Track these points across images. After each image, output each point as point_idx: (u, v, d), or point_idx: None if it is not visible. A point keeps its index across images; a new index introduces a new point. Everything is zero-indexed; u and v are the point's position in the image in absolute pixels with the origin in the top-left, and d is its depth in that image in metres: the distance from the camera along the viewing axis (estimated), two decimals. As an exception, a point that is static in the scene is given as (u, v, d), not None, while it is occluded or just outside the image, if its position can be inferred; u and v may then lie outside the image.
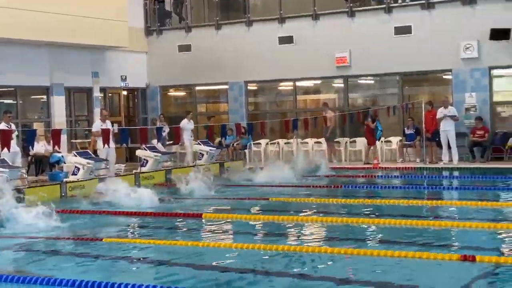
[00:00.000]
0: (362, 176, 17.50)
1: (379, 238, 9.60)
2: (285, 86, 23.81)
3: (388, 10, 21.22)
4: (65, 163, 17.57)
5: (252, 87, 24.14)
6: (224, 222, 11.30)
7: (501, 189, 14.23)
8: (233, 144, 21.96)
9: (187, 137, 20.41)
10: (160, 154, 18.50)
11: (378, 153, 20.52)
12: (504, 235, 9.24)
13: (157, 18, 24.94)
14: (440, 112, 19.13)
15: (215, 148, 20.40)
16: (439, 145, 19.56)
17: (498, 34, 19.35)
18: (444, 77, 21.38)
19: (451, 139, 18.96)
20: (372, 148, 20.41)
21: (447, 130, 18.95)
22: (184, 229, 10.95)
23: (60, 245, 9.78)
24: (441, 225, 10.13)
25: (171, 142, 21.37)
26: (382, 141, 20.87)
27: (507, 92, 20.75)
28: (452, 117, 19.04)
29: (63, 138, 18.86)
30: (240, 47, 23.14)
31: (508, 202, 12.36)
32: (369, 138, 20.34)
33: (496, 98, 20.34)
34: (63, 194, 15.02)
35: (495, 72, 20.26)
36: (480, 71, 20.02)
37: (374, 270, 7.56)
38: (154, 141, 20.04)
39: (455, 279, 7.08)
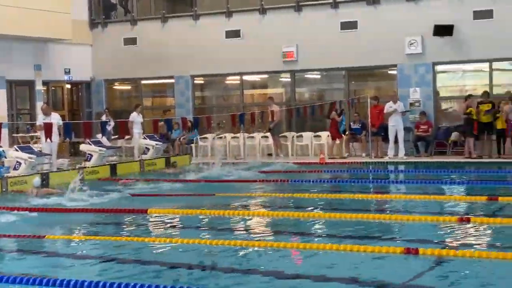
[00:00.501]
0: (309, 171, 17.53)
1: (326, 232, 9.63)
2: (232, 80, 23.73)
3: (335, 5, 21.35)
4: (6, 157, 17.12)
5: (198, 81, 24.00)
6: (170, 218, 11.16)
7: (444, 182, 14.45)
8: (179, 139, 21.78)
9: (137, 130, 20.12)
10: (104, 149, 18.22)
11: (325, 148, 20.63)
12: (447, 228, 9.36)
13: (102, 11, 24.56)
14: (389, 107, 19.32)
15: (161, 143, 20.20)
16: (385, 140, 19.80)
17: (441, 30, 19.67)
18: (389, 72, 21.66)
19: (400, 133, 19.17)
20: (337, 142, 20.27)
21: (396, 125, 19.13)
22: (130, 225, 10.76)
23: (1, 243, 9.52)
24: (386, 218, 10.22)
25: (116, 136, 21.07)
26: (328, 135, 20.98)
27: (450, 88, 21.14)
28: (404, 112, 19.32)
29: (4, 132, 18.37)
30: (186, 40, 22.96)
31: (451, 196, 12.55)
32: (334, 132, 20.26)
33: (439, 93, 20.70)
34: (4, 190, 14.64)
35: (438, 67, 20.60)
36: (424, 66, 20.33)
37: (320, 264, 7.56)
38: (99, 136, 19.73)
39: (399, 271, 7.13)
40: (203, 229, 10.16)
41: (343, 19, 21.27)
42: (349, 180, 15.55)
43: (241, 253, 8.27)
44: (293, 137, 21.50)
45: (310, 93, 23.33)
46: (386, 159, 19.23)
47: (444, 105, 20.97)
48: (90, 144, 18.04)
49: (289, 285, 6.86)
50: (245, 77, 23.26)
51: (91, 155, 17.81)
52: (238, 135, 21.62)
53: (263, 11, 22.33)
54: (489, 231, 9.08)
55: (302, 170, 17.57)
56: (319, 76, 23.10)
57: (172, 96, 23.93)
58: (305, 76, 22.97)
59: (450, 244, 8.30)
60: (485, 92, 18.96)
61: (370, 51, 20.69)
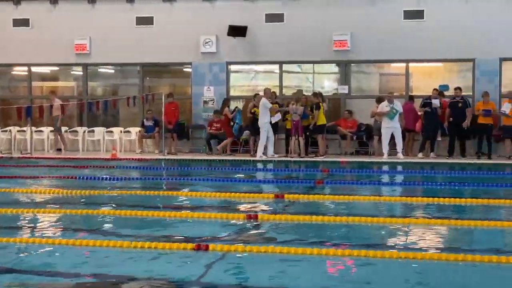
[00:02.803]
0: (100, 167, 17.04)
1: (117, 230, 9.32)
2: (19, 71, 22.52)
3: (130, -1, 21.05)
4: None
5: (-19, 70, 22.48)
6: None
7: (235, 180, 14.70)
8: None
9: None
10: None
11: (117, 144, 20.27)
12: (236, 224, 9.50)
13: None
14: (266, 103, 19.11)
15: None
16: (179, 137, 19.93)
17: (235, 31, 20.12)
18: (184, 70, 21.77)
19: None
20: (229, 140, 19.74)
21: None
22: None
23: None
24: (177, 215, 10.15)
25: None
26: (121, 131, 20.68)
27: (242, 87, 21.73)
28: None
29: None
30: (-32, 26, 21.40)
31: (241, 194, 12.75)
32: (227, 130, 19.73)
33: (232, 92, 21.18)
34: None
35: (232, 67, 21.06)
36: (218, 65, 20.66)
37: (108, 263, 7.30)
38: None
39: (190, 267, 7.09)
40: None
41: (138, 14, 21.03)
42: (141, 177, 15.33)
43: (25, 251, 7.77)
44: (84, 132, 20.83)
45: (104, 88, 22.78)
46: (178, 156, 19.28)
47: (236, 104, 21.43)
48: None
49: (72, 284, 6.53)
50: (34, 69, 22.17)
51: None
52: (25, 128, 20.52)
53: (54, 0, 21.39)
54: (275, 227, 9.33)
55: (93, 166, 17.04)
56: (113, 71, 22.63)
57: (-50, 85, 22.19)
58: (99, 70, 22.38)
59: (238, 240, 8.39)
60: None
61: (165, 48, 20.67)
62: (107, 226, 9.67)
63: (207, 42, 20.56)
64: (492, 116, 18.31)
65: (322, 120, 18.86)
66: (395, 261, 7.30)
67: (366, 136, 19.82)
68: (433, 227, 9.31)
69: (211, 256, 7.47)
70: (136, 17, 21.04)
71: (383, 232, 9.09)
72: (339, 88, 20.74)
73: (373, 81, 21.56)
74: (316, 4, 20.30)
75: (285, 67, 21.10)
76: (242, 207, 11.13)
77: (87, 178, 14.75)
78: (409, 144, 19.34)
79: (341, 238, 8.64)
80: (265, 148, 18.67)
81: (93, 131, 20.88)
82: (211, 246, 7.75)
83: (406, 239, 8.66)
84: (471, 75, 19.76)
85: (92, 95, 21.79)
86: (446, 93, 19.32)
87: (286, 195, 11.91)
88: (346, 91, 20.54)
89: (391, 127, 18.28)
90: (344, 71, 20.70)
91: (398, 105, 18.49)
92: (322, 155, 18.70)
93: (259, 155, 18.48)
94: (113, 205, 11.21)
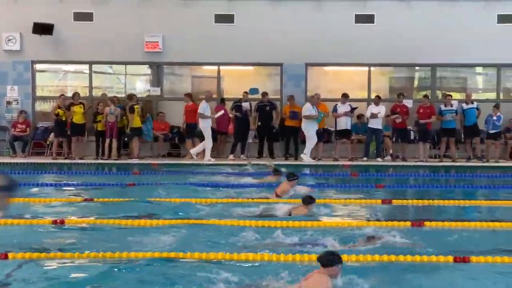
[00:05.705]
0: None
1: None
2: None
3: None
4: None
5: None
6: None
7: (41, 184, 14.02)
8: None
9: None
10: None
11: None
12: (38, 230, 9.05)
13: None
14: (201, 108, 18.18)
15: None
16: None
17: (41, 29, 19.33)
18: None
19: None
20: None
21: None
22: None
23: None
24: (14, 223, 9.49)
25: None
26: None
27: (50, 87, 20.92)
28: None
29: None
30: None
31: (47, 198, 12.15)
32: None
33: (38, 92, 20.34)
34: None
35: (38, 66, 20.22)
36: (22, 64, 19.77)
37: None
38: None
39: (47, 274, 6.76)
40: None
41: None
42: None
43: None
44: None
45: None
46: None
47: (41, 104, 20.55)
48: None
49: None
50: None
51: None
52: None
53: None
54: (83, 232, 9.01)
55: None
56: None
57: None
58: None
59: (42, 247, 7.97)
60: (76, 93, 18.99)
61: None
62: None
63: (10, 40, 19.54)
64: (298, 118, 19.03)
65: (137, 122, 18.63)
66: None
67: (178, 138, 19.82)
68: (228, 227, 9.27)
69: (10, 264, 7.06)
70: None
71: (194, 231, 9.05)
72: (151, 89, 20.56)
73: (185, 83, 21.61)
74: (126, 4, 19.96)
75: (95, 67, 20.55)
76: (48, 212, 10.59)
77: None
78: (221, 146, 19.60)
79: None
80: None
81: None
82: (10, 254, 7.33)
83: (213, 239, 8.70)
84: (280, 79, 20.43)
85: None
86: (255, 96, 19.78)
87: (95, 199, 11.55)
88: (159, 93, 20.42)
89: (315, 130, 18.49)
90: (156, 73, 20.56)
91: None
92: (136, 157, 18.46)
93: (207, 159, 18.15)
94: None
